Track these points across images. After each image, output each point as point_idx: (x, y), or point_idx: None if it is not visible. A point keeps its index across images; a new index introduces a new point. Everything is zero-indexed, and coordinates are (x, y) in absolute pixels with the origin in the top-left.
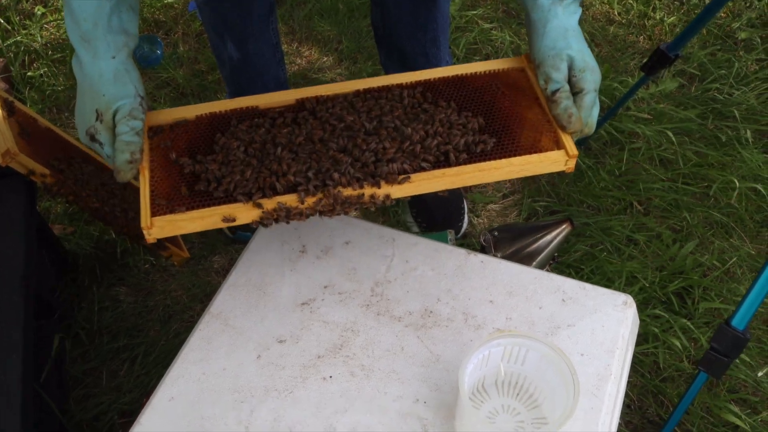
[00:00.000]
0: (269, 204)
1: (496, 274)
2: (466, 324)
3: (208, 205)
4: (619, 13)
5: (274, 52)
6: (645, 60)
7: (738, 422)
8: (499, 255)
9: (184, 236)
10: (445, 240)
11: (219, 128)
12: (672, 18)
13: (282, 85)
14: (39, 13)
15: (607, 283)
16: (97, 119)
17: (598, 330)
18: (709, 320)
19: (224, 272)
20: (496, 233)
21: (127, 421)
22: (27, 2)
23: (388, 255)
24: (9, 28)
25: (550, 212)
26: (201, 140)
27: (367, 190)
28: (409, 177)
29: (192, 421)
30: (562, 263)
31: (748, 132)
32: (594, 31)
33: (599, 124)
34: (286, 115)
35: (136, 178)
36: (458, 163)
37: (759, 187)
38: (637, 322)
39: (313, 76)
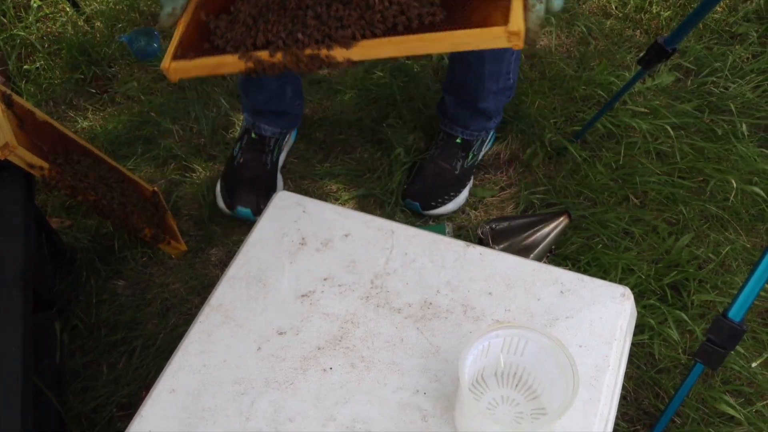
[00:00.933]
0: (250, 57)
1: (495, 266)
2: (465, 316)
3: (212, 55)
4: (615, 7)
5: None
6: (642, 54)
7: (733, 413)
8: (497, 247)
9: (182, 229)
10: (442, 232)
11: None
12: (668, 12)
13: (300, 79)
14: (35, 5)
15: (603, 275)
16: None
17: (596, 322)
18: (704, 312)
19: (222, 265)
20: (493, 225)
21: (126, 413)
22: None
23: (387, 247)
24: (5, 21)
25: (546, 204)
26: (227, 4)
27: (323, 51)
28: (359, 41)
29: (193, 413)
30: (558, 255)
31: (744, 125)
32: (591, 24)
33: (596, 118)
34: None
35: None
36: (404, 33)
37: (756, 180)
38: (635, 314)
39: None
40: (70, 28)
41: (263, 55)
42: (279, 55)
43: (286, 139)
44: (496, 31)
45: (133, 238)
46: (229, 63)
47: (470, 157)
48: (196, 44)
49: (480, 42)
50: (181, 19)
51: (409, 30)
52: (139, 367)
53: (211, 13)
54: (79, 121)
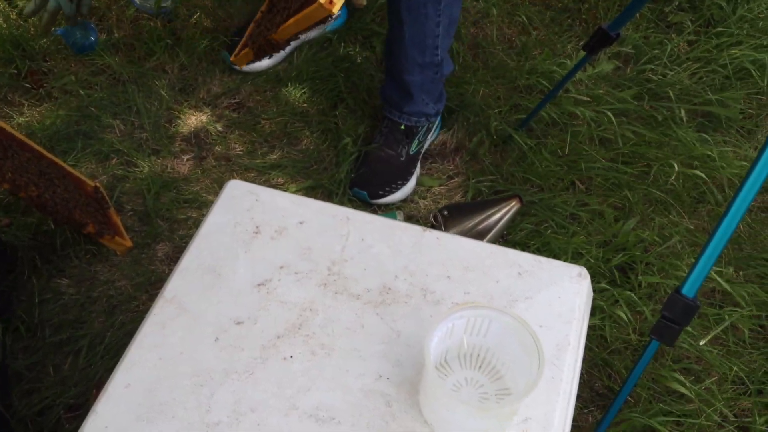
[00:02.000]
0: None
1: (452, 250)
2: (425, 300)
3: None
4: None
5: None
6: (586, 40)
7: (683, 390)
8: (450, 233)
9: (126, 225)
10: (393, 218)
11: None
12: (606, 2)
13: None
14: None
15: (554, 259)
16: None
17: (555, 302)
18: (651, 293)
19: (169, 260)
20: (445, 212)
21: (74, 415)
22: None
23: (344, 234)
24: None
25: (494, 192)
26: None
27: None
28: None
29: (150, 407)
30: (510, 241)
31: (683, 111)
32: (531, 15)
33: (540, 106)
34: None
35: None
36: None
37: (696, 163)
38: (591, 293)
39: None
40: (2, 21)
41: None
42: None
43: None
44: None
45: (76, 235)
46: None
47: (415, 144)
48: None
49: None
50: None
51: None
52: (86, 367)
53: None
54: (15, 117)
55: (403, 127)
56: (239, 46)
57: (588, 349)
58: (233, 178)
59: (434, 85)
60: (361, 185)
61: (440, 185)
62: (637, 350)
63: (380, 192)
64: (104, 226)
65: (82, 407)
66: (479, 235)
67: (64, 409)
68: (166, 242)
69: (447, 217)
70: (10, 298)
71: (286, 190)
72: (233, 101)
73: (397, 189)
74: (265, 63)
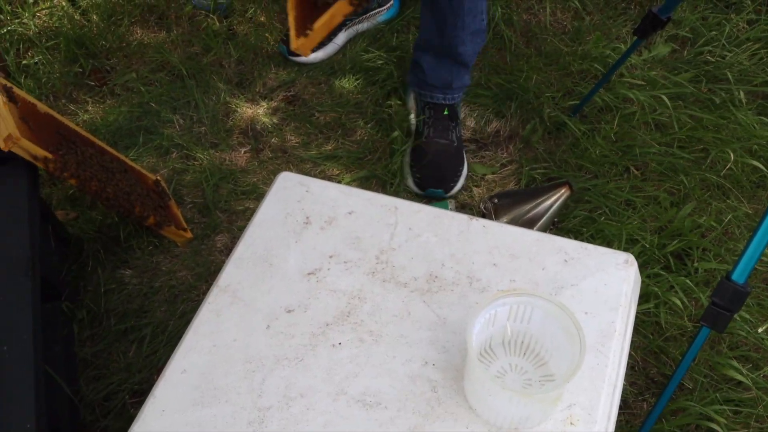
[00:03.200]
0: None
1: (499, 238)
2: (471, 287)
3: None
4: None
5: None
6: (637, 24)
7: (740, 377)
8: (500, 221)
9: (186, 217)
10: (446, 209)
11: None
12: None
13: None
14: (31, 1)
15: (607, 246)
16: None
17: (601, 289)
18: (708, 280)
19: (227, 251)
20: (496, 200)
21: (138, 400)
22: None
23: (391, 223)
24: (1, 17)
25: (547, 179)
26: None
27: None
28: None
29: (205, 391)
30: (562, 228)
31: (741, 93)
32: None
33: (593, 91)
34: None
35: None
36: None
37: (755, 147)
38: (639, 280)
39: None
40: (66, 21)
41: None
42: None
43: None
44: None
45: (139, 228)
46: (339, 8)
47: (459, 126)
48: (306, 17)
49: None
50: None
51: None
52: (150, 354)
53: None
54: (80, 114)
55: (446, 112)
56: (294, 33)
57: (643, 336)
58: (289, 169)
59: (476, 52)
60: (434, 183)
61: (493, 173)
62: (693, 337)
63: (451, 184)
64: (165, 218)
65: (146, 393)
66: (529, 223)
67: (129, 394)
68: (225, 233)
69: (497, 205)
70: (77, 288)
71: (340, 181)
72: (288, 94)
73: (460, 176)
74: (320, 54)
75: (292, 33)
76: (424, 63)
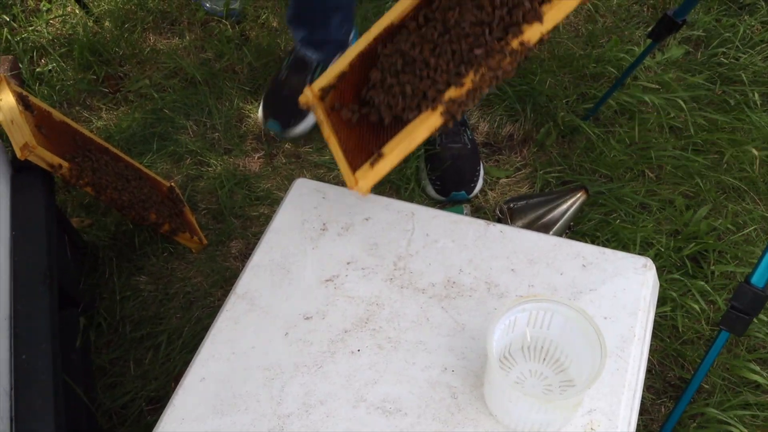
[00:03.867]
0: (440, 107)
1: (516, 243)
2: (489, 293)
3: (390, 137)
4: None
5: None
6: (652, 27)
7: (760, 380)
8: (515, 225)
9: (201, 223)
10: (461, 213)
11: (371, 63)
12: None
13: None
14: (44, 9)
15: (623, 250)
16: None
17: (619, 293)
18: (725, 283)
19: (242, 257)
20: (511, 204)
21: (155, 407)
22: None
23: (408, 229)
24: (15, 25)
25: (562, 183)
26: (363, 82)
27: (514, 42)
28: (541, 11)
29: (224, 399)
30: (577, 232)
31: (756, 95)
32: (598, 2)
33: (608, 94)
34: (418, 17)
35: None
36: None
37: None
38: (657, 284)
39: None
40: (80, 29)
41: (452, 93)
42: (467, 81)
43: (333, 60)
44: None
45: (154, 234)
46: (422, 127)
47: (467, 126)
48: (361, 142)
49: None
50: (327, 131)
51: None
52: (166, 362)
53: (345, 105)
54: (94, 120)
55: None
56: (346, 167)
57: (660, 339)
58: (303, 174)
59: None
60: (455, 186)
61: (507, 177)
62: (710, 340)
63: (472, 185)
64: (180, 224)
65: (162, 400)
66: (545, 228)
67: (146, 401)
68: (240, 239)
69: (512, 210)
70: (93, 295)
71: None
72: None
73: (479, 175)
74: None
75: (344, 167)
76: None
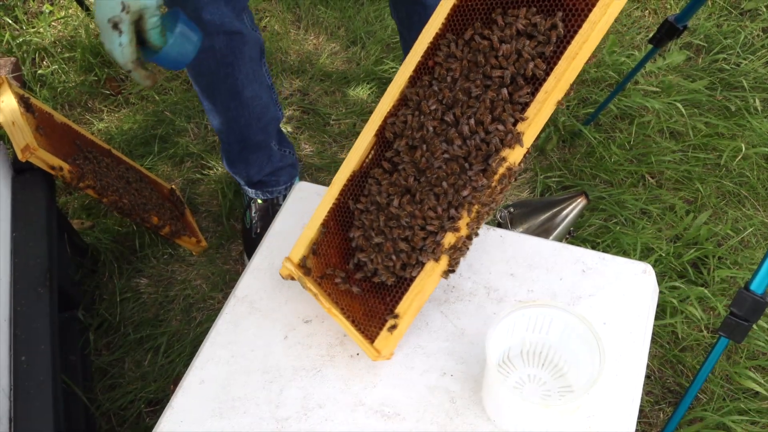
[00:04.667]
0: (443, 260)
1: (516, 248)
2: (489, 297)
3: (402, 295)
4: None
5: (270, 93)
6: (653, 33)
7: (758, 388)
8: (516, 230)
9: (201, 226)
10: None
11: (345, 222)
12: None
13: (279, 126)
14: (47, 11)
15: (623, 255)
16: (122, 10)
17: (619, 299)
18: (725, 289)
19: (242, 259)
20: (512, 209)
21: (154, 409)
22: (34, 1)
23: None
24: (17, 27)
25: (562, 187)
26: (344, 240)
27: (500, 170)
28: (519, 133)
29: (223, 402)
30: (577, 237)
31: (757, 100)
32: None
33: (608, 99)
34: (381, 162)
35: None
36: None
37: None
38: (657, 290)
39: (320, 62)
40: (82, 31)
41: (449, 239)
42: (462, 225)
43: (294, 183)
44: None
45: (154, 237)
46: (427, 282)
47: None
48: (371, 309)
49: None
50: (326, 304)
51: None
52: (165, 364)
53: (338, 265)
54: (95, 122)
55: None
56: (361, 338)
57: (659, 345)
58: (303, 178)
59: None
60: None
61: None
62: (709, 347)
63: None
64: (180, 227)
65: (161, 402)
66: (545, 233)
67: (145, 403)
68: (239, 242)
69: (513, 215)
70: (93, 297)
71: None
72: (302, 103)
73: None
74: None
75: (360, 340)
76: None
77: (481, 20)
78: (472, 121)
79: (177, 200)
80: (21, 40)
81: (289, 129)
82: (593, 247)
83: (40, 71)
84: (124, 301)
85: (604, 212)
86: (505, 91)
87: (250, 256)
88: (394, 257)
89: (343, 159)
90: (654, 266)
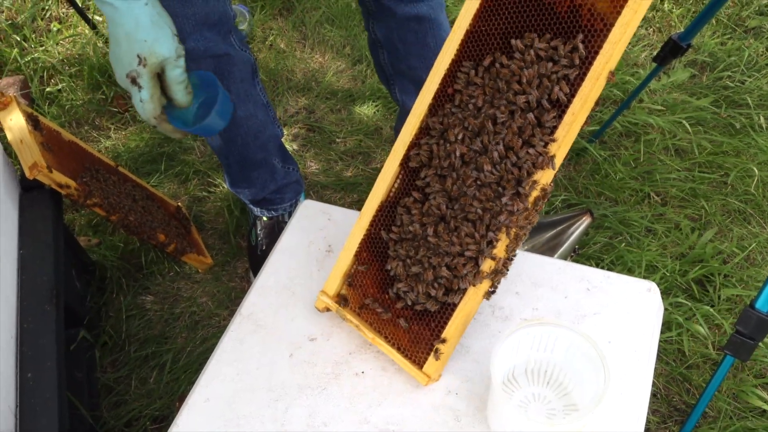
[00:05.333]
0: (484, 283)
1: (521, 266)
2: (494, 316)
3: (447, 320)
4: None
5: (266, 112)
6: (657, 51)
7: (765, 406)
8: (521, 248)
9: (207, 243)
10: None
11: (378, 252)
12: (680, 9)
13: (281, 143)
14: (55, 29)
15: (628, 273)
16: (139, 64)
17: (624, 317)
18: (731, 307)
19: (248, 277)
20: None
21: (159, 426)
22: (42, 20)
23: None
24: (26, 45)
25: (567, 205)
26: (379, 270)
27: (534, 194)
28: (555, 139)
29: (228, 420)
30: (582, 255)
31: (762, 118)
32: None
33: (613, 117)
34: (410, 191)
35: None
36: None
37: None
38: (662, 308)
39: (326, 80)
40: (90, 50)
41: (489, 264)
42: (501, 246)
43: (299, 200)
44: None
45: (160, 254)
46: (471, 301)
47: None
48: (416, 336)
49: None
50: (368, 334)
51: None
52: (171, 381)
53: (375, 295)
54: (102, 140)
55: None
56: (407, 363)
57: (665, 363)
58: (309, 196)
59: None
60: None
61: None
62: (715, 365)
63: None
64: (186, 244)
65: (167, 419)
66: (550, 251)
67: (150, 420)
68: (246, 260)
69: None
70: (99, 314)
71: (360, 208)
72: (308, 120)
73: None
74: None
75: (409, 368)
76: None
77: (498, 46)
78: (501, 147)
79: (183, 218)
80: (29, 58)
81: (295, 147)
82: (598, 265)
83: (48, 89)
84: (130, 318)
85: (609, 230)
86: (531, 115)
87: (255, 274)
88: (436, 285)
89: (349, 177)
90: (659, 284)
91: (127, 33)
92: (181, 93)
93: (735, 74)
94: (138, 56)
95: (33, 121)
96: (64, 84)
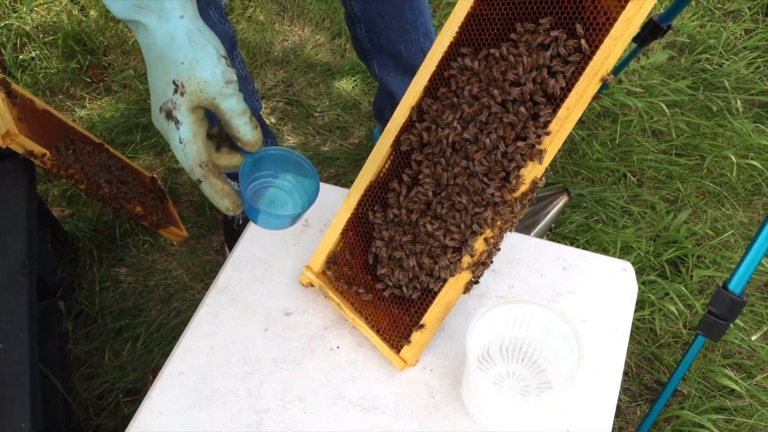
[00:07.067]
0: (463, 275)
1: None
2: (470, 293)
3: (427, 307)
4: None
5: (245, 85)
6: (637, 31)
7: (734, 386)
8: None
9: (182, 216)
10: None
11: (364, 233)
12: None
13: (259, 116)
14: None
15: (603, 253)
16: (176, 92)
17: (598, 296)
18: (703, 287)
19: (223, 250)
20: None
21: (132, 399)
22: None
23: None
24: None
25: (545, 185)
26: (364, 253)
27: (521, 188)
28: (548, 132)
29: (202, 393)
30: (558, 234)
31: (738, 101)
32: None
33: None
34: (401, 174)
35: None
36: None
37: (752, 155)
38: (636, 288)
39: (305, 53)
40: (65, 17)
41: (470, 254)
42: (489, 234)
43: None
44: None
45: (135, 226)
46: (452, 291)
47: None
48: (393, 318)
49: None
50: (349, 314)
51: None
52: (144, 353)
53: (358, 281)
54: (77, 110)
55: None
56: (386, 347)
57: (637, 342)
58: None
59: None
60: None
61: None
62: (687, 344)
63: None
64: (161, 216)
65: (140, 391)
66: (526, 228)
67: (123, 393)
68: (221, 232)
69: None
70: (72, 286)
71: (338, 182)
72: (286, 94)
73: None
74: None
75: (386, 351)
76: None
77: (498, 33)
78: (493, 137)
79: (158, 189)
80: (2, 24)
81: (273, 120)
82: (573, 245)
83: (21, 56)
84: (104, 290)
85: (585, 210)
86: (524, 108)
87: (231, 248)
88: (417, 272)
89: (327, 151)
90: (633, 264)
91: (160, 54)
92: (245, 127)
93: (713, 57)
94: (174, 82)
95: (6, 89)
96: (38, 52)
